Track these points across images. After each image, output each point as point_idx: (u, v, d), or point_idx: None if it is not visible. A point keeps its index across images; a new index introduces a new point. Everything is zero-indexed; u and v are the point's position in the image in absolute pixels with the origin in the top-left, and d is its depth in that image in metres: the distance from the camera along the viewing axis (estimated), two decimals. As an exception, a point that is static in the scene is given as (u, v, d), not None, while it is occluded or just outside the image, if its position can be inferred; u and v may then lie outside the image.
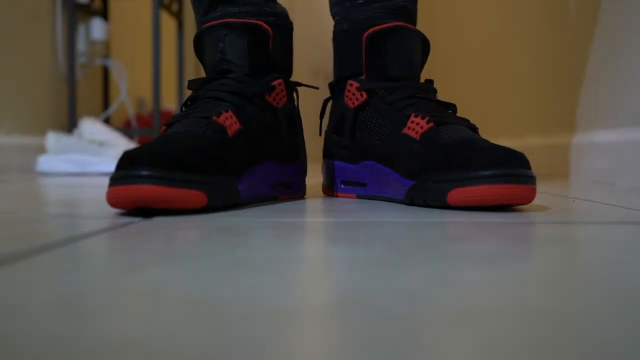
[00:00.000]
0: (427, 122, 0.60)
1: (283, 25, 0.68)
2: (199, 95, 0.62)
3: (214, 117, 0.57)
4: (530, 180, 0.54)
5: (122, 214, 0.51)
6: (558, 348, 0.18)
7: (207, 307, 0.23)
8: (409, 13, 0.71)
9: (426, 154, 0.59)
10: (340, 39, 0.71)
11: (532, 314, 0.22)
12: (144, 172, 0.48)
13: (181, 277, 0.27)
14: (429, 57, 0.72)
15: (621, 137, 1.02)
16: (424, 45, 0.70)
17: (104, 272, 0.29)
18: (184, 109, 0.63)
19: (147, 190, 0.48)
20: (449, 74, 2.21)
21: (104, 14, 1.95)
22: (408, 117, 0.62)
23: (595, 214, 0.56)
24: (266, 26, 0.64)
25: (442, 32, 2.26)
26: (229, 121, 0.58)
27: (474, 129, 0.62)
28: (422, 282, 0.26)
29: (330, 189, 0.73)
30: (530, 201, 0.56)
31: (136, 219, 0.48)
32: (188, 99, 0.63)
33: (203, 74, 0.68)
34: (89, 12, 1.86)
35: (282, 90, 0.66)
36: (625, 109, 1.03)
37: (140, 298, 0.24)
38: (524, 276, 0.29)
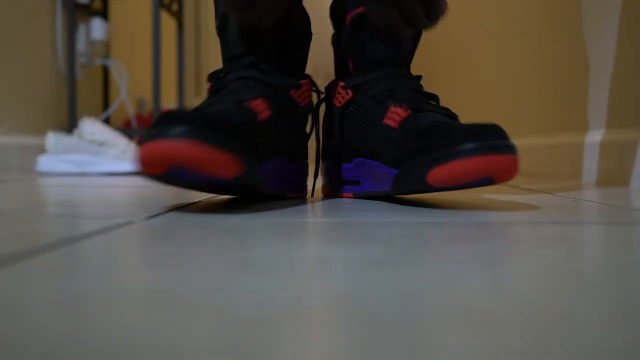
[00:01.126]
0: (405, 110, 0.61)
1: (307, 20, 0.68)
2: (228, 85, 0.61)
3: (246, 102, 0.57)
4: (509, 149, 0.52)
5: (122, 214, 0.51)
6: (558, 348, 0.18)
7: (207, 307, 0.23)
8: None
9: (404, 140, 0.59)
10: (335, 41, 0.72)
11: (532, 314, 0.22)
12: (183, 128, 0.46)
13: (181, 277, 0.27)
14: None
15: (621, 137, 1.02)
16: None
17: (104, 272, 0.29)
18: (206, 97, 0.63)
19: (184, 146, 0.46)
20: (448, 74, 2.21)
21: (104, 13, 1.95)
22: (387, 107, 0.63)
23: (595, 214, 0.56)
24: (296, 17, 0.64)
25: (442, 32, 2.26)
26: (261, 107, 0.58)
27: (453, 116, 0.61)
28: (422, 283, 0.26)
29: (329, 190, 0.73)
30: (514, 174, 0.53)
31: (136, 219, 0.48)
32: (213, 88, 0.62)
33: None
34: (89, 12, 1.86)
35: (307, 90, 0.66)
36: (624, 109, 1.03)
37: (140, 298, 0.24)
38: (524, 276, 0.29)
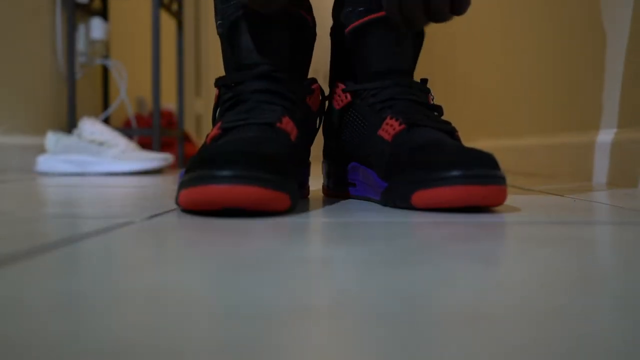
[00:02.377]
0: (400, 124, 0.60)
1: (315, 31, 0.67)
2: (246, 98, 0.60)
3: (278, 124, 0.57)
4: (496, 180, 0.52)
5: (122, 214, 0.51)
6: (558, 349, 0.18)
7: (207, 307, 0.23)
8: None
9: (395, 155, 0.59)
10: (335, 36, 0.71)
11: (532, 314, 0.22)
12: (233, 172, 0.46)
13: (181, 277, 0.27)
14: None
15: (621, 137, 1.02)
16: (416, 36, 0.68)
17: (104, 272, 0.29)
18: (220, 109, 0.62)
19: (237, 190, 0.46)
20: (449, 73, 2.21)
21: (103, 13, 1.95)
22: (384, 119, 0.62)
23: (595, 214, 0.56)
24: (307, 16, 0.62)
25: (442, 31, 2.26)
26: (290, 126, 0.58)
27: (451, 132, 0.61)
28: (423, 283, 0.26)
29: (328, 189, 0.74)
30: (501, 203, 0.54)
31: (136, 219, 0.48)
32: (228, 100, 0.61)
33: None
34: (88, 11, 1.86)
35: (318, 94, 0.66)
36: (624, 109, 1.03)
37: (140, 298, 0.24)
38: (524, 276, 0.29)
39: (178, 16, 2.10)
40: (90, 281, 0.27)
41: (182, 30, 2.14)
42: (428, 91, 0.67)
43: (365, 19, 0.64)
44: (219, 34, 0.65)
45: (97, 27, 1.82)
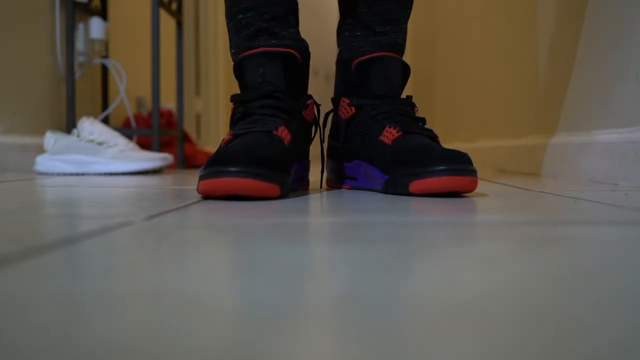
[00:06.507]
0: (398, 132, 0.78)
1: (307, 55, 0.84)
2: (253, 112, 0.76)
3: (274, 132, 0.72)
4: (471, 173, 0.69)
5: (122, 214, 0.51)
6: (559, 349, 0.18)
7: (207, 307, 0.23)
8: (399, 47, 0.88)
9: (396, 155, 0.76)
10: (342, 66, 0.88)
11: (533, 314, 0.22)
12: (239, 168, 0.62)
13: (181, 277, 0.27)
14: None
15: (621, 137, 1.02)
16: (405, 70, 0.86)
17: (104, 272, 0.29)
18: (233, 120, 0.78)
19: (241, 182, 0.61)
20: (450, 73, 2.21)
21: (103, 13, 1.95)
22: (384, 127, 0.79)
23: (596, 214, 0.56)
24: (297, 54, 0.79)
25: (443, 32, 2.26)
26: (284, 133, 0.73)
27: (434, 137, 0.79)
28: (423, 283, 0.26)
29: (332, 182, 0.89)
30: (473, 189, 0.70)
31: (136, 219, 0.48)
32: (239, 113, 0.77)
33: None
34: (88, 11, 1.86)
35: (312, 107, 0.82)
36: (625, 109, 1.03)
37: (140, 298, 0.24)
38: (525, 277, 0.28)
39: (178, 16, 2.09)
40: (90, 281, 0.27)
41: (182, 30, 2.14)
42: (414, 105, 0.83)
43: (369, 56, 0.82)
44: (233, 60, 0.81)
45: (96, 27, 1.82)
